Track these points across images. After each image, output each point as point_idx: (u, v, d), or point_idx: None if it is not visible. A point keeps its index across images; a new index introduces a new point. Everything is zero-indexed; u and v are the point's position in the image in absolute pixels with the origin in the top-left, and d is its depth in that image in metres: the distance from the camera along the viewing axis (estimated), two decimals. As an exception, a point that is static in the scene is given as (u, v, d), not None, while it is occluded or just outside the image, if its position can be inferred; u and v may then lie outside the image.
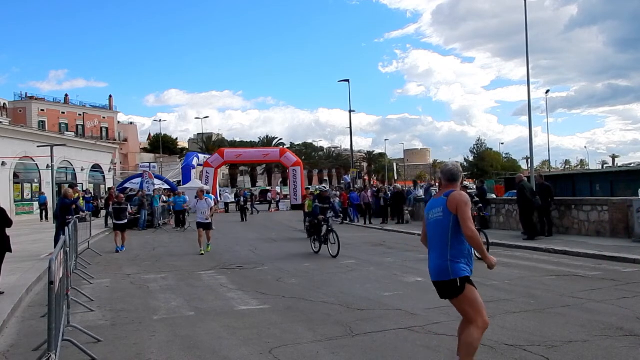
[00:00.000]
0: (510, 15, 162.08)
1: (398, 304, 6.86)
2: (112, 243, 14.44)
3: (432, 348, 4.98)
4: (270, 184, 65.37)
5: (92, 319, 6.63)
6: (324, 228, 12.55)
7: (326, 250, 12.34)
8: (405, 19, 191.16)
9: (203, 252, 12.99)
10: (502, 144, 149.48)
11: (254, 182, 69.48)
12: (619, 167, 53.72)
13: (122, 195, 16.45)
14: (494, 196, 25.10)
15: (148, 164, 55.79)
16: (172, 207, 26.94)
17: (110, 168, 43.86)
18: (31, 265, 10.72)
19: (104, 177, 42.67)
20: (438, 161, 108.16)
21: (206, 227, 13.37)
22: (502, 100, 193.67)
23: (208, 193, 29.36)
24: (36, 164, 31.12)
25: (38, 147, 27.82)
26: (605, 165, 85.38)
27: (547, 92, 63.69)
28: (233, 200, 35.03)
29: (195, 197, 13.72)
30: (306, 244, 15.36)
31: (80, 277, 9.48)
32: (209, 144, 67.98)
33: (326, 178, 79.94)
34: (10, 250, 8.12)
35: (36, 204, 31.53)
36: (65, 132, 53.56)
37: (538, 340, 5.07)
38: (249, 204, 31.05)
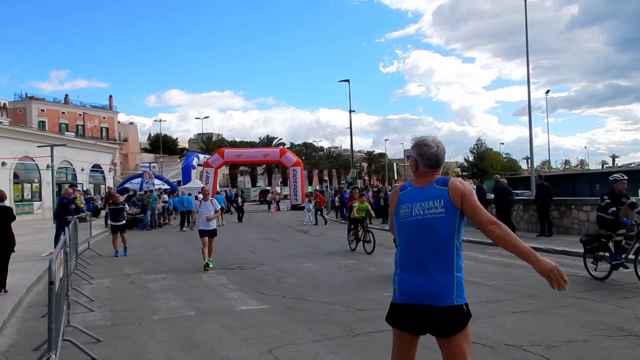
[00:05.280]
0: (510, 16, 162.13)
1: (398, 304, 6.85)
2: (112, 242, 14.11)
3: (432, 348, 4.95)
4: (270, 184, 65.37)
5: (92, 319, 6.63)
6: None
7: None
8: (406, 19, 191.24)
9: (210, 264, 10.66)
10: (502, 144, 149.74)
11: (254, 182, 69.52)
12: (619, 167, 53.66)
13: (118, 195, 16.05)
14: (492, 196, 25.20)
15: (148, 164, 55.88)
16: (173, 207, 26.96)
17: (110, 168, 43.88)
18: (31, 265, 10.71)
19: (104, 177, 42.68)
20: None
21: (211, 234, 10.81)
22: (503, 100, 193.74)
23: (218, 193, 29.04)
24: (36, 164, 31.12)
25: (38, 147, 27.85)
26: (605, 165, 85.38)
27: (547, 92, 63.82)
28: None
29: (196, 197, 11.83)
30: (306, 244, 15.37)
31: (80, 277, 9.49)
32: (209, 144, 68.01)
33: (326, 178, 79.97)
34: (13, 250, 8.15)
35: (36, 204, 31.56)
36: (65, 132, 53.56)
37: (538, 340, 5.07)
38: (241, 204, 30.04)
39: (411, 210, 2.81)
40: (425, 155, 2.87)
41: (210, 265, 10.68)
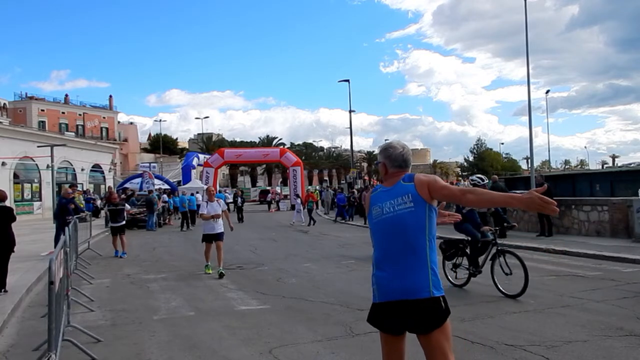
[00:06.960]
0: (511, 16, 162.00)
1: (398, 304, 6.85)
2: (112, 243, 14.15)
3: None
4: (270, 184, 65.34)
5: (92, 319, 6.63)
6: (493, 248, 7.60)
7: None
8: (406, 19, 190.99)
9: (210, 271, 9.89)
10: (502, 144, 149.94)
11: (254, 182, 69.50)
12: (619, 167, 53.65)
13: (115, 195, 16.02)
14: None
15: (148, 164, 55.92)
16: (172, 207, 26.93)
17: (110, 168, 43.90)
18: (31, 265, 10.72)
19: (104, 177, 42.68)
20: (438, 161, 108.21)
21: (218, 237, 9.89)
22: (503, 100, 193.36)
23: (221, 192, 28.72)
24: (36, 164, 31.13)
25: (38, 147, 27.87)
26: (605, 165, 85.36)
27: (547, 92, 63.78)
28: (231, 201, 35.04)
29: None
30: (306, 244, 15.36)
31: (80, 277, 9.49)
32: (209, 144, 67.99)
33: (326, 178, 79.94)
34: (13, 250, 8.16)
35: (36, 204, 31.58)
36: (65, 132, 53.57)
37: (538, 340, 5.07)
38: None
39: (382, 209, 2.89)
40: (392, 157, 2.98)
41: (222, 273, 9.56)
